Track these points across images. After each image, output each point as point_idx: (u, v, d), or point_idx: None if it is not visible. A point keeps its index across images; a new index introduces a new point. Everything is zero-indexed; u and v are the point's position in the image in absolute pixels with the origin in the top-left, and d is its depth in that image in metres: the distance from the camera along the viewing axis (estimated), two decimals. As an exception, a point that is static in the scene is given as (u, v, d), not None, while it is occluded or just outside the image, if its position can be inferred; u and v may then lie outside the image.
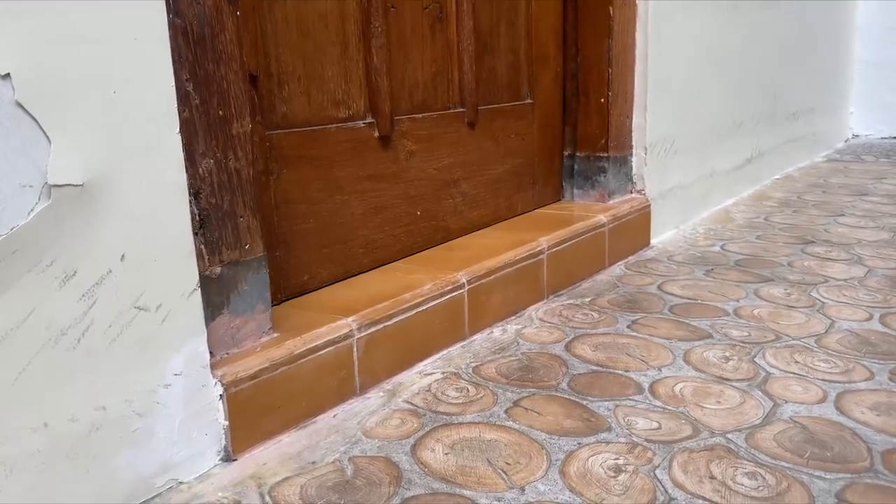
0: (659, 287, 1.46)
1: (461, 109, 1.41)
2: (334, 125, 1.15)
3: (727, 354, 1.13)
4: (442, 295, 1.14)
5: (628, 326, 1.25)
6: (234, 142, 0.87)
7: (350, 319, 0.99)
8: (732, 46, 2.17)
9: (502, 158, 1.53)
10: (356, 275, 1.21)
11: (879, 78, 3.63)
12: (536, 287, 1.36)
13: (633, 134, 1.72)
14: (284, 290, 1.08)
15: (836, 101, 3.45)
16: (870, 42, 3.60)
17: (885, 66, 3.60)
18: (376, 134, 1.22)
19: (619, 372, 1.07)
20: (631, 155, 1.72)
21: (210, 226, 0.85)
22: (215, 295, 0.87)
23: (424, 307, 1.10)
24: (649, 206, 1.73)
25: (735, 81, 2.21)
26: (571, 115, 1.70)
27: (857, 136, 3.72)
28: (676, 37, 1.81)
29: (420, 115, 1.32)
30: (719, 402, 0.98)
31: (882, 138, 3.68)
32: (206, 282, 0.85)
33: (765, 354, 1.12)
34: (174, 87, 0.77)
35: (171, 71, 0.77)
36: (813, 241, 1.77)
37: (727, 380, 1.04)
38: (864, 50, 3.63)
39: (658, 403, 0.98)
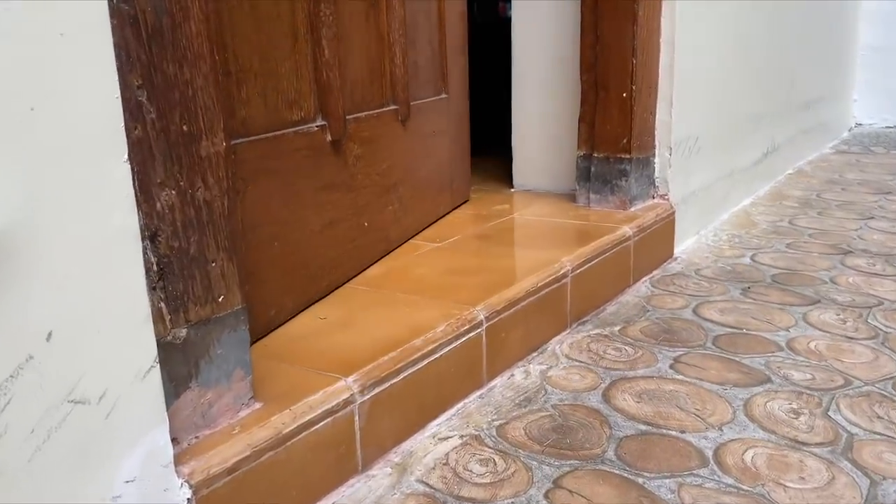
0: (695, 311, 1.28)
1: (394, 107, 1.25)
2: (291, 130, 0.96)
3: (794, 406, 0.95)
4: (457, 337, 0.95)
5: (671, 366, 1.07)
6: (202, 165, 0.67)
7: (350, 380, 0.80)
8: (754, 33, 1.98)
9: (427, 158, 1.39)
10: (317, 301, 1.03)
11: (884, 64, 3.46)
12: (559, 315, 1.18)
13: (657, 132, 1.53)
14: (253, 330, 0.88)
15: (841, 88, 3.29)
16: (875, 26, 3.44)
17: (891, 51, 3.44)
18: (328, 138, 1.03)
19: (674, 433, 0.89)
20: (654, 156, 1.54)
21: (172, 277, 0.65)
22: (180, 365, 0.67)
23: (438, 354, 0.91)
24: (674, 213, 1.55)
25: (756, 70, 2.03)
26: (588, 110, 1.51)
27: (861, 124, 3.57)
28: (702, 23, 1.62)
29: (363, 115, 1.14)
30: (803, 478, 0.80)
31: (887, 127, 3.53)
32: (167, 350, 0.65)
33: (839, 406, 0.95)
34: (120, 98, 0.57)
35: (116, 76, 0.56)
36: (850, 252, 1.60)
37: (804, 444, 0.86)
38: (868, 34, 3.46)
39: (729, 481, 0.80)
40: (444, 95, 1.45)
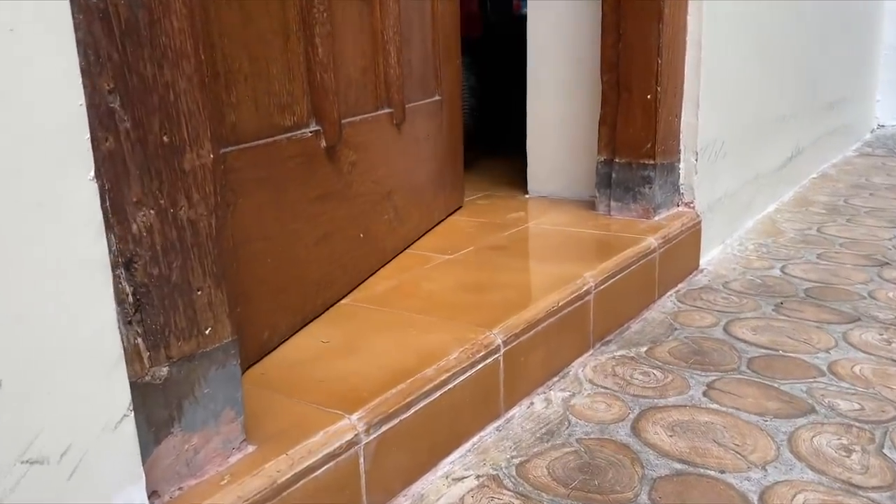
0: (725, 329, 1.19)
1: (389, 110, 1.17)
2: (284, 136, 0.88)
3: (844, 441, 0.86)
4: (473, 365, 0.86)
5: (704, 393, 0.99)
6: (186, 180, 0.58)
7: (354, 417, 0.72)
8: (778, 32, 1.89)
9: (422, 163, 1.32)
10: (311, 320, 0.96)
11: (907, 63, 3.36)
12: (582, 336, 1.09)
13: (682, 136, 1.44)
14: (245, 357, 0.80)
15: (863, 88, 3.19)
16: (899, 25, 3.33)
17: (914, 50, 3.34)
18: (323, 144, 0.96)
19: (713, 473, 0.81)
20: (678, 161, 1.45)
21: (151, 308, 0.57)
22: (160, 408, 0.59)
23: (451, 385, 0.83)
24: (700, 222, 1.46)
25: (780, 70, 1.94)
26: (609, 112, 1.42)
27: (883, 126, 3.47)
28: (729, 21, 1.53)
29: (358, 119, 1.06)
30: (862, 529, 0.71)
31: (910, 128, 3.43)
32: (145, 392, 0.57)
33: (894, 441, 0.86)
34: (85, 105, 0.48)
35: (80, 79, 0.48)
36: (887, 263, 1.51)
37: (859, 488, 0.78)
38: (891, 34, 3.35)
39: (779, 532, 0.71)
40: (437, 97, 1.38)
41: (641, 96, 1.37)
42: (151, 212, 0.56)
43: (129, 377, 0.55)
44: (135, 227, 0.55)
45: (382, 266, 1.16)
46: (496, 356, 0.90)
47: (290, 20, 0.87)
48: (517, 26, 1.78)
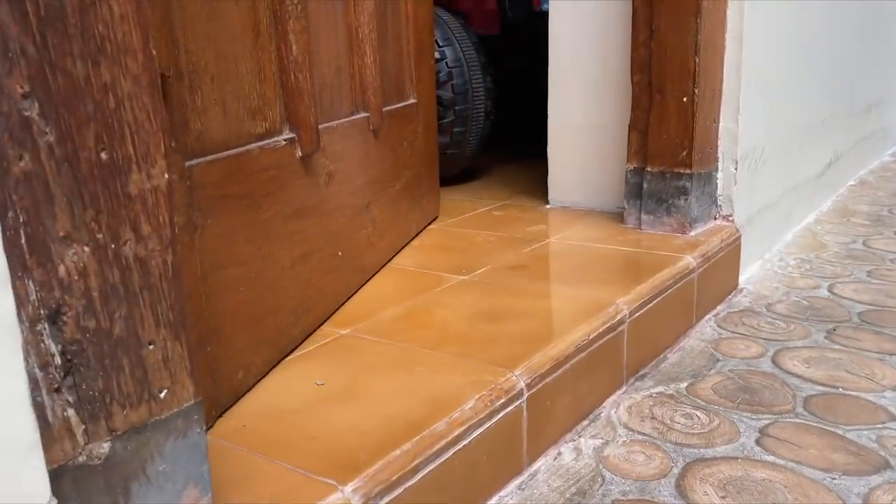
0: (774, 361, 1.06)
1: (365, 114, 1.06)
2: (256, 145, 0.76)
3: (930, 507, 0.73)
4: (492, 415, 0.74)
5: (757, 441, 0.85)
6: (132, 208, 0.46)
7: (349, 489, 0.59)
8: (818, 31, 1.75)
9: (400, 171, 1.21)
10: (289, 353, 0.84)
11: (944, 63, 3.20)
12: (615, 371, 0.96)
13: (720, 142, 1.31)
14: (217, 402, 0.69)
15: (898, 89, 3.03)
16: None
17: (952, 49, 3.17)
18: (298, 154, 0.84)
19: (778, 549, 0.68)
20: (717, 170, 1.32)
21: (87, 370, 0.45)
22: (100, 494, 0.47)
23: (466, 441, 0.70)
24: (740, 236, 1.32)
25: (820, 71, 1.80)
26: (640, 116, 1.29)
27: (919, 128, 3.30)
28: (771, 17, 1.39)
29: (335, 124, 0.95)
30: None
31: (947, 131, 3.26)
32: (79, 476, 0.45)
33: None
34: (-20, 116, 0.37)
35: (-29, 81, 0.36)
36: (946, 282, 1.37)
37: (957, 571, 0.64)
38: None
39: None
40: (413, 100, 1.26)
41: (676, 99, 1.24)
42: (85, 249, 0.44)
43: (57, 459, 0.43)
44: (62, 268, 0.43)
45: (363, 285, 1.05)
46: (519, 402, 0.77)
47: (259, 14, 0.74)
48: (538, 23, 1.66)
